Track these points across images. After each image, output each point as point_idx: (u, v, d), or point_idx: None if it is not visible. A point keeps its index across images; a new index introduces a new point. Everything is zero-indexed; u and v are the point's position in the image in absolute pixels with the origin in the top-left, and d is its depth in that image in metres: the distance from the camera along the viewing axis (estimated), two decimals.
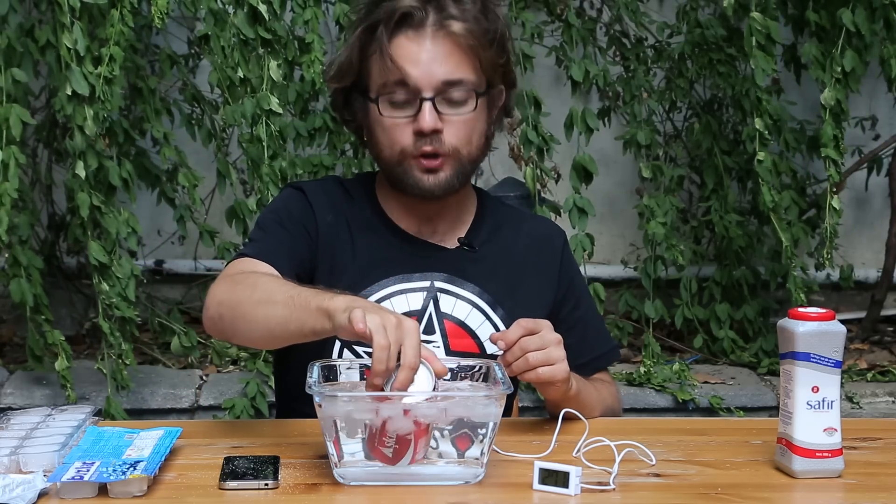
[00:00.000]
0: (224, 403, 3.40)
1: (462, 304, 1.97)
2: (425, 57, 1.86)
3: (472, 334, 1.97)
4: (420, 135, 1.88)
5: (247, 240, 2.02)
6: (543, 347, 1.78)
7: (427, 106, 1.86)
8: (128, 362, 3.27)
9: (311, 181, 2.21)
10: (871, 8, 3.48)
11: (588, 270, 2.80)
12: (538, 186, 3.51)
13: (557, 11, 3.82)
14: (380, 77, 1.89)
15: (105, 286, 3.19)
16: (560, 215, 3.52)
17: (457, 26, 1.86)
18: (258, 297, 1.74)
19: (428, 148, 1.88)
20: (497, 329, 1.96)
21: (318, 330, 1.65)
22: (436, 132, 1.87)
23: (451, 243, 2.01)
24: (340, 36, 3.46)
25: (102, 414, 3.24)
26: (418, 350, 1.57)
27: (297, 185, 2.05)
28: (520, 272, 2.02)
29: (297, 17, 3.37)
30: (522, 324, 1.79)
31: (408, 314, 1.92)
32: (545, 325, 1.80)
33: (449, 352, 1.94)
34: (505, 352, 1.78)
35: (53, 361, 3.33)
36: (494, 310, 1.98)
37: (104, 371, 3.29)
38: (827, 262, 3.60)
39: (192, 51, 3.85)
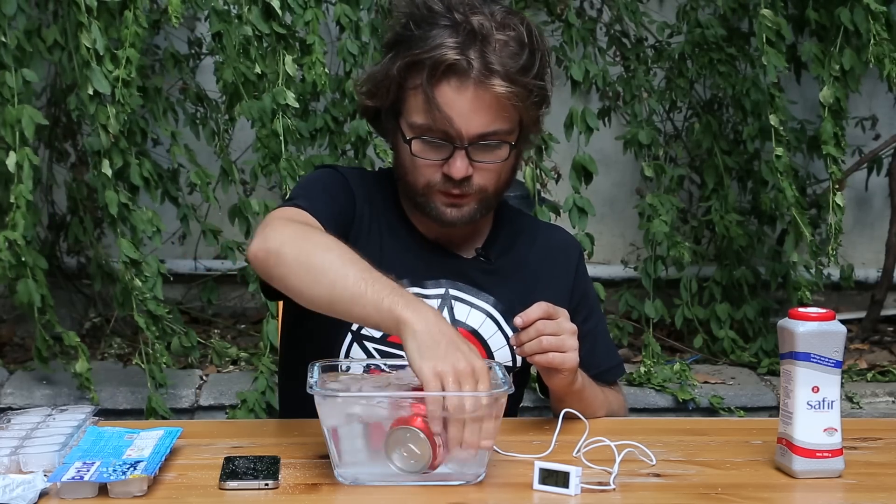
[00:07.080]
0: (238, 395, 3.38)
1: (476, 314, 1.98)
2: (466, 108, 1.83)
3: (484, 343, 1.97)
4: (449, 177, 1.87)
5: (287, 199, 1.96)
6: (559, 334, 1.79)
7: (460, 155, 1.85)
8: (163, 360, 3.26)
9: (347, 167, 2.16)
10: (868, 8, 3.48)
11: (588, 270, 2.77)
12: (538, 186, 3.51)
13: (557, 11, 3.82)
14: (417, 116, 1.86)
15: (138, 282, 3.18)
16: (560, 215, 3.52)
17: (500, 87, 1.82)
18: (330, 260, 1.68)
19: (456, 191, 1.88)
20: (508, 339, 1.97)
21: (382, 328, 1.64)
22: (465, 178, 1.87)
23: (468, 252, 2.01)
24: (340, 36, 3.46)
25: (146, 413, 3.25)
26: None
27: (335, 168, 2.03)
28: (534, 283, 2.02)
29: (297, 17, 3.37)
30: (543, 306, 1.79)
31: None
32: (563, 314, 1.81)
33: None
34: (521, 330, 1.79)
35: (63, 363, 3.32)
36: (507, 320, 1.97)
37: (143, 367, 3.28)
38: (833, 259, 3.60)
39: (193, 51, 3.85)
